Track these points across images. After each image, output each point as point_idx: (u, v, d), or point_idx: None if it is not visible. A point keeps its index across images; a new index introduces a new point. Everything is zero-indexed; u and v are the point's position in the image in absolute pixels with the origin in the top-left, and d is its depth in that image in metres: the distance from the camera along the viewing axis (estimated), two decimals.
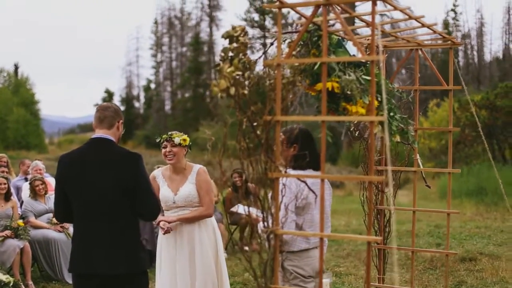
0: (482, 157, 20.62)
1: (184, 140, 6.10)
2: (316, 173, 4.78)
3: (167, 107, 70.59)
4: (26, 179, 11.91)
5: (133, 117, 74.86)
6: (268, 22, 54.27)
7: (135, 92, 78.07)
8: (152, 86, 74.15)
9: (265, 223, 4.03)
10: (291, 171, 4.67)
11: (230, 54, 4.04)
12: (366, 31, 5.33)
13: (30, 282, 9.15)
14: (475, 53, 60.41)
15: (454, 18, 60.44)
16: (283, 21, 53.37)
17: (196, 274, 6.04)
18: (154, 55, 73.21)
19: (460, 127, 19.76)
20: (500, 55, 58.48)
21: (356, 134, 5.65)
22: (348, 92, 4.34)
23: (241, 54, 4.03)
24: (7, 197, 9.50)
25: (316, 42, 4.47)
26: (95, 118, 4.86)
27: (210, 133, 3.98)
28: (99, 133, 4.81)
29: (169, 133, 6.18)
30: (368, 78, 4.50)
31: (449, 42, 5.50)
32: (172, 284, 6.03)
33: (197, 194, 6.09)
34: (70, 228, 9.81)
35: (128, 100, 76.35)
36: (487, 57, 61.02)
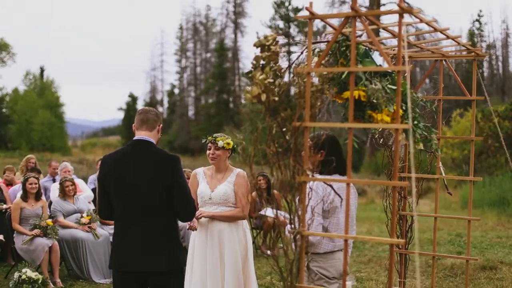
0: (505, 167, 20.62)
1: (228, 144, 6.32)
2: (342, 178, 4.93)
3: (191, 112, 70.94)
4: (54, 180, 12.21)
5: None
6: (293, 30, 54.48)
7: (158, 97, 78.69)
8: (176, 91, 74.59)
9: (292, 225, 4.21)
10: (318, 176, 4.83)
11: (262, 62, 4.22)
12: (392, 41, 5.48)
13: (58, 280, 9.36)
14: (500, 63, 60.17)
15: (479, 29, 60.24)
16: (306, 29, 53.81)
17: (225, 275, 6.20)
18: (179, 61, 73.72)
19: (483, 137, 19.78)
20: None
21: (381, 142, 5.80)
22: (374, 101, 4.50)
23: (272, 62, 4.21)
24: (37, 196, 9.77)
25: (344, 52, 4.64)
26: (137, 120, 5.08)
27: (241, 137, 4.15)
28: (141, 134, 5.02)
29: (214, 135, 6.40)
30: (394, 87, 4.67)
31: (473, 53, 5.64)
32: (203, 283, 6.19)
33: (234, 194, 6.29)
34: (98, 228, 10.07)
35: (151, 104, 76.68)
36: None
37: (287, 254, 4.14)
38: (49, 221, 9.59)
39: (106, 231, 10.15)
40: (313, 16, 4.05)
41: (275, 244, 11.81)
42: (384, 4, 45.88)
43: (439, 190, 5.94)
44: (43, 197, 10.07)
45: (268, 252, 10.87)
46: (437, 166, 5.71)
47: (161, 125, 5.18)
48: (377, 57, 4.91)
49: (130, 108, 75.87)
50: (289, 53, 54.62)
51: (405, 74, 4.91)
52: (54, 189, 10.95)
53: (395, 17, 3.88)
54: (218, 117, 56.60)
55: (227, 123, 56.72)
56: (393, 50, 5.43)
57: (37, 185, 9.70)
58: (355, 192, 5.22)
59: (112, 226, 10.17)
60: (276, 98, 4.07)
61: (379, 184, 5.75)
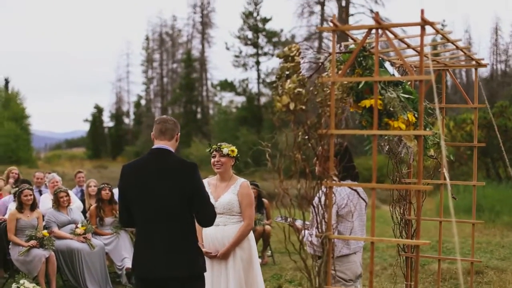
0: (478, 175, 20.99)
1: (232, 151, 6.44)
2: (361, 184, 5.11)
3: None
4: (40, 192, 12.20)
5: (122, 133, 75.02)
6: (262, 40, 54.72)
7: (125, 108, 78.27)
8: (143, 102, 74.34)
9: (315, 230, 4.37)
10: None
11: (286, 72, 4.38)
12: (405, 51, 5.65)
13: None
14: (463, 73, 61.09)
15: (442, 39, 60.95)
16: (275, 40, 53.27)
17: (229, 281, 6.32)
18: (145, 71, 73.51)
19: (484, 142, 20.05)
20: (488, 75, 59.16)
21: (386, 149, 6.00)
22: (391, 109, 4.70)
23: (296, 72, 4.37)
24: (32, 207, 9.80)
25: (361, 63, 4.82)
26: (155, 130, 5.18)
27: (269, 145, 4.28)
28: (160, 144, 5.14)
29: (219, 144, 6.50)
30: (407, 96, 4.88)
31: (474, 62, 5.88)
32: None
33: (238, 204, 6.39)
34: (93, 239, 10.11)
35: (117, 116, 76.47)
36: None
37: (303, 259, 4.29)
38: (45, 232, 9.61)
39: (101, 242, 10.19)
40: (336, 27, 4.21)
41: (264, 252, 11.99)
42: (352, 14, 46.44)
43: (443, 195, 6.17)
44: (38, 208, 10.09)
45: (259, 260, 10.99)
46: (442, 171, 5.92)
47: (179, 133, 5.31)
48: (389, 67, 5.10)
49: (96, 120, 75.43)
50: (258, 63, 54.96)
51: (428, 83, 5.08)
52: (43, 201, 10.98)
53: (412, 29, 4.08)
54: (186, 127, 56.43)
55: (196, 134, 56.71)
56: (398, 59, 5.63)
57: (32, 196, 9.72)
58: (366, 197, 5.42)
59: (106, 237, 10.30)
60: (304, 107, 4.23)
61: (403, 188, 5.93)
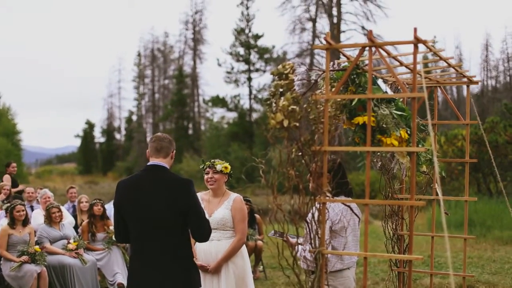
0: (469, 190, 21.04)
1: (226, 167, 6.47)
2: (353, 200, 5.15)
3: (149, 139, 70.54)
4: (31, 208, 12.21)
5: (114, 148, 75.01)
6: (253, 56, 54.84)
7: (116, 124, 78.29)
8: (134, 118, 74.37)
9: (307, 245, 4.41)
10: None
11: (280, 89, 4.43)
12: (398, 69, 5.71)
13: None
14: (454, 88, 61.35)
15: (433, 54, 61.25)
16: (266, 56, 53.40)
17: None
18: (137, 87, 73.62)
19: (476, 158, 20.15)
20: (479, 91, 59.46)
21: (378, 166, 6.05)
22: (384, 126, 4.75)
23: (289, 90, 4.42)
24: (24, 223, 9.79)
25: (354, 80, 4.88)
26: (151, 147, 5.23)
27: (263, 161, 4.31)
28: (155, 161, 5.18)
29: (212, 160, 6.53)
30: (399, 113, 4.93)
31: (466, 79, 5.95)
32: None
33: (231, 219, 6.42)
34: (85, 254, 10.10)
35: (109, 131, 76.51)
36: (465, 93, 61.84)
37: (296, 274, 4.32)
38: (37, 247, 9.60)
39: (92, 257, 10.18)
40: (330, 46, 4.27)
41: (256, 267, 11.99)
42: (344, 31, 46.67)
43: (435, 210, 6.22)
44: (30, 224, 10.07)
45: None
46: (434, 187, 5.97)
47: (174, 150, 5.35)
48: (381, 84, 5.16)
49: (87, 135, 75.43)
50: (249, 79, 55.08)
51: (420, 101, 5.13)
52: (35, 216, 10.98)
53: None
54: (178, 143, 56.28)
55: (187, 149, 56.69)
56: (391, 77, 5.69)
57: (24, 212, 9.72)
58: (360, 213, 5.47)
59: (98, 252, 10.29)
60: (297, 124, 4.27)
61: (396, 204, 5.98)
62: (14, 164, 15.46)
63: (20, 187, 14.62)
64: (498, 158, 20.58)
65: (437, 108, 6.21)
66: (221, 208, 6.46)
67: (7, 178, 14.65)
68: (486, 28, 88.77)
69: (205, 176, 6.54)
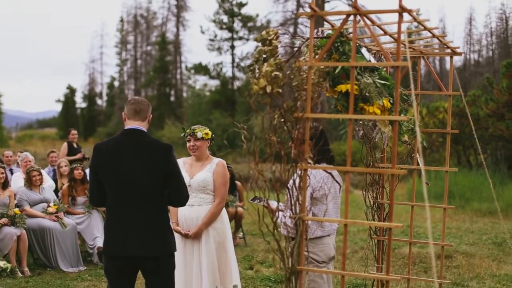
0: (449, 162, 21.18)
1: (206, 134, 6.47)
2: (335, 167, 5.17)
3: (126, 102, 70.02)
4: (11, 171, 12.15)
5: (95, 114, 74.54)
6: (237, 24, 54.47)
7: (98, 89, 77.71)
8: (116, 84, 73.85)
9: (288, 211, 4.42)
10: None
11: (264, 55, 4.41)
12: (380, 38, 5.70)
13: (26, 269, 9.36)
14: (437, 61, 61.47)
15: (416, 27, 61.21)
16: (250, 24, 53.18)
17: (201, 260, 6.35)
18: (119, 53, 73.00)
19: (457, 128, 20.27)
20: (461, 64, 59.64)
21: (360, 134, 6.06)
22: (367, 94, 4.75)
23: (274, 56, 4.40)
24: (4, 185, 9.75)
25: (338, 48, 4.87)
26: (129, 110, 5.18)
27: (245, 127, 4.30)
28: (133, 124, 5.15)
29: (192, 127, 6.52)
30: (383, 82, 4.93)
31: (450, 51, 5.96)
32: (181, 269, 6.32)
33: (212, 183, 6.43)
34: (65, 218, 10.10)
35: (90, 97, 75.95)
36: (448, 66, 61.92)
37: (276, 240, 4.35)
38: (17, 210, 9.59)
39: (72, 221, 10.17)
40: (315, 13, 4.25)
41: (236, 234, 12.05)
42: (328, 1, 46.42)
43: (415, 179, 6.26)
44: (10, 187, 10.04)
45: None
46: (415, 157, 6.01)
47: (151, 115, 5.31)
48: (365, 53, 5.15)
49: (69, 100, 74.83)
50: (232, 47, 54.84)
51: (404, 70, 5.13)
52: (15, 179, 10.94)
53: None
54: (159, 110, 56.11)
55: (169, 116, 56.46)
56: (376, 46, 5.68)
57: (3, 175, 9.66)
58: (341, 181, 5.49)
59: (78, 216, 10.28)
60: (280, 90, 4.27)
61: (377, 172, 6.00)
62: (74, 132, 15.04)
63: (78, 156, 14.21)
64: (479, 131, 20.70)
65: (420, 80, 6.22)
66: (203, 171, 6.47)
67: (65, 146, 14.42)
68: (470, 2, 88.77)
69: (188, 144, 6.54)
